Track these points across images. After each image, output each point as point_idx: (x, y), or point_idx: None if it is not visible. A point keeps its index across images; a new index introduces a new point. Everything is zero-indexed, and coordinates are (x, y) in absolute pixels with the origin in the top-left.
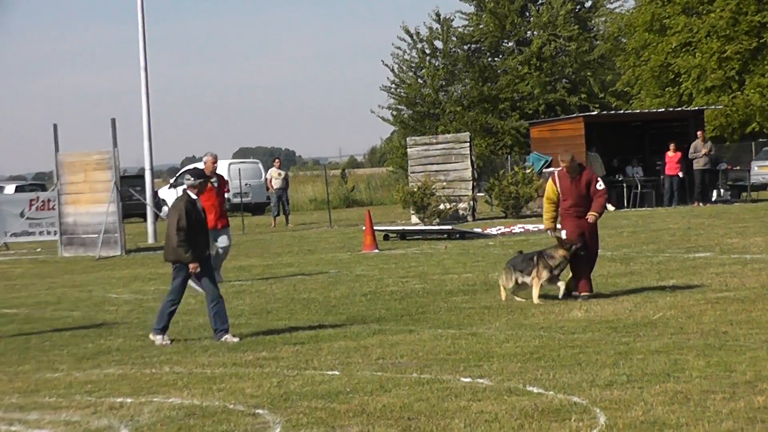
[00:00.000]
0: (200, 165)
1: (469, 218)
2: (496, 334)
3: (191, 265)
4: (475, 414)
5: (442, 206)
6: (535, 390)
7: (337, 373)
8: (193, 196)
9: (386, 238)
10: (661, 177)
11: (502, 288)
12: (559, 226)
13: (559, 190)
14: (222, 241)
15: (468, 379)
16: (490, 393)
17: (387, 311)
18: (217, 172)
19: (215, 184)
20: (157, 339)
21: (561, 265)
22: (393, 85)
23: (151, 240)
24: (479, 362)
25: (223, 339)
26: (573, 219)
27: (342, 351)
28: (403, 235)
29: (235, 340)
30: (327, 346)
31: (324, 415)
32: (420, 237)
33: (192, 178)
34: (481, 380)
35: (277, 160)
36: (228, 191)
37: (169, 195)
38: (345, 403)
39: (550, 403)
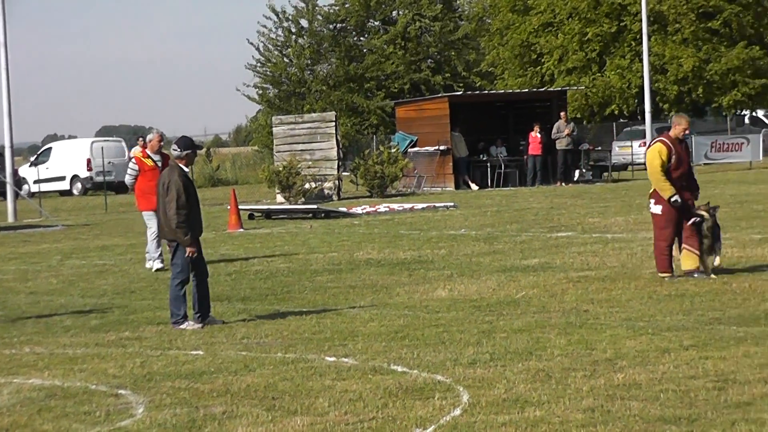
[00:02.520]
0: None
1: (335, 197)
2: (360, 314)
3: (188, 249)
4: (339, 393)
5: (307, 185)
6: (400, 369)
7: (201, 353)
8: (185, 169)
9: (251, 217)
10: (525, 157)
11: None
12: (651, 202)
13: (674, 155)
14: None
15: (332, 359)
16: (354, 372)
17: (252, 291)
18: (130, 154)
19: (159, 164)
20: (187, 326)
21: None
22: (259, 64)
23: (11, 219)
24: (344, 341)
25: (204, 322)
26: (681, 192)
27: (206, 330)
28: (268, 215)
29: (199, 326)
30: (191, 326)
31: (187, 395)
32: (285, 216)
33: (179, 149)
34: (345, 359)
35: (140, 139)
36: (91, 170)
37: (30, 173)
38: (209, 383)
39: (414, 382)
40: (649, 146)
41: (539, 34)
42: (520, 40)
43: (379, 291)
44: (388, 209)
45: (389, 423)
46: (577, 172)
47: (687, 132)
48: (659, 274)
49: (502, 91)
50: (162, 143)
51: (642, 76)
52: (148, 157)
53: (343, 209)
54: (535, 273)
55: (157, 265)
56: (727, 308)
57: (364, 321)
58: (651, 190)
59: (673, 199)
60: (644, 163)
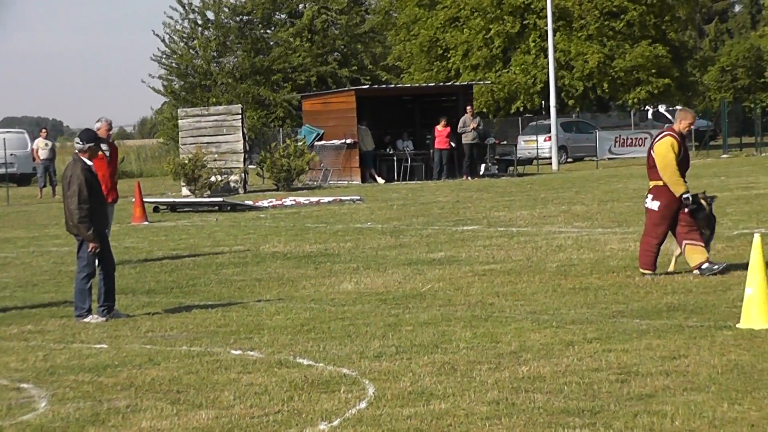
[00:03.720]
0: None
1: (241, 190)
2: (266, 307)
3: (92, 245)
4: (244, 386)
5: (213, 178)
6: (305, 362)
7: (105, 346)
8: (88, 162)
9: (156, 210)
10: (431, 151)
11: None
12: (649, 198)
13: (681, 150)
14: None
15: (238, 352)
16: (260, 365)
17: (157, 284)
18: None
19: (107, 153)
20: (90, 319)
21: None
22: (164, 56)
23: None
24: (250, 335)
25: (109, 315)
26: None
27: (111, 324)
28: (173, 207)
29: (102, 319)
30: (95, 320)
31: (91, 389)
32: (191, 209)
33: (81, 142)
34: (251, 352)
35: (43, 131)
36: None
37: None
38: (113, 376)
39: (320, 375)
40: (659, 140)
41: (445, 29)
42: (427, 35)
43: (285, 284)
44: (294, 202)
45: (295, 416)
46: (482, 166)
47: (691, 127)
48: (641, 270)
49: (409, 85)
50: (110, 132)
51: (547, 72)
52: None
53: (249, 202)
54: (440, 266)
55: None
56: (630, 301)
57: (270, 314)
58: (651, 186)
59: (685, 197)
60: (549, 158)
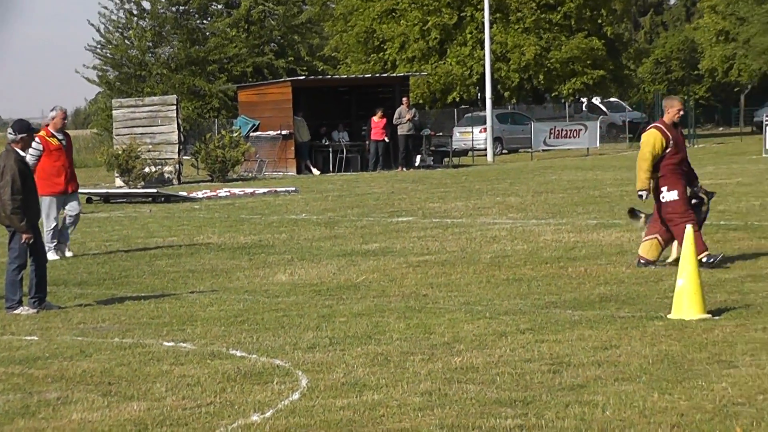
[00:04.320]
0: None
1: (175, 181)
2: (200, 298)
3: (24, 236)
4: (177, 378)
5: (147, 169)
6: (238, 353)
7: (36, 338)
8: (21, 153)
9: (89, 201)
10: (367, 142)
11: None
12: (664, 190)
13: (672, 141)
14: (72, 208)
15: (171, 343)
16: (192, 357)
17: (89, 275)
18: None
19: (64, 143)
20: (21, 311)
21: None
22: (99, 46)
23: None
24: (182, 326)
25: (40, 306)
26: (680, 176)
27: (42, 316)
28: (107, 198)
29: (33, 311)
30: (25, 311)
31: (21, 381)
32: (124, 200)
33: (14, 133)
34: (184, 344)
35: None
36: None
37: None
38: (43, 368)
39: (253, 367)
40: (646, 131)
41: (382, 21)
42: (364, 27)
43: (218, 275)
44: (228, 193)
45: (227, 408)
46: (418, 158)
47: (682, 113)
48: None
49: (345, 76)
50: (66, 121)
51: (484, 64)
52: (53, 135)
53: (184, 193)
54: (375, 257)
55: (69, 253)
56: (562, 292)
57: (204, 305)
58: (657, 181)
59: (640, 193)
60: (484, 149)
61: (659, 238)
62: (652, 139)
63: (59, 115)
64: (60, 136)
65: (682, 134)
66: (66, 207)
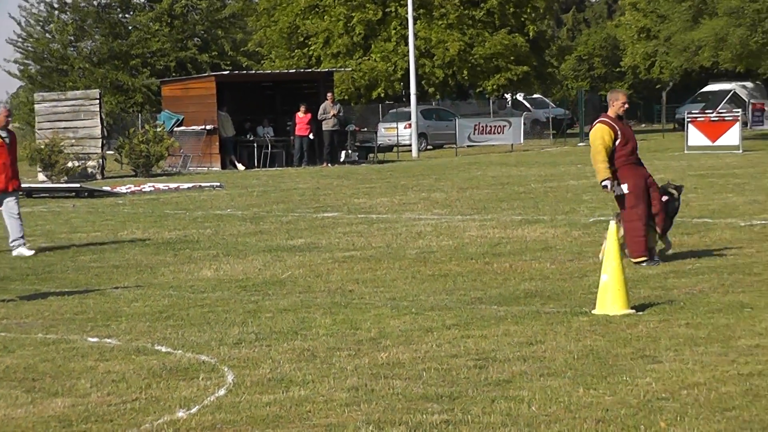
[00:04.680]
0: None
1: (99, 176)
2: (125, 294)
3: None
4: (102, 374)
5: (70, 164)
6: (164, 349)
7: None
8: None
9: None
10: (291, 137)
11: None
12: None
13: (619, 132)
14: (10, 206)
15: (95, 339)
16: (117, 353)
17: (12, 270)
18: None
19: (7, 141)
20: None
21: None
22: (20, 39)
23: None
24: (107, 322)
25: None
26: (635, 167)
27: None
28: (29, 193)
29: None
30: None
31: None
32: (47, 195)
33: None
34: (108, 340)
35: None
36: None
37: None
38: None
39: (179, 362)
40: (592, 128)
41: (306, 17)
42: (287, 22)
43: (143, 271)
44: (153, 189)
45: (153, 404)
46: (343, 153)
47: (627, 106)
48: (634, 261)
49: (270, 71)
50: (9, 118)
51: (408, 60)
52: None
53: (108, 188)
54: (301, 253)
55: (27, 252)
56: (488, 288)
57: (128, 301)
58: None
59: (603, 184)
60: (409, 145)
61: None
62: (600, 133)
63: (2, 113)
64: (3, 134)
65: (629, 126)
66: (3, 206)
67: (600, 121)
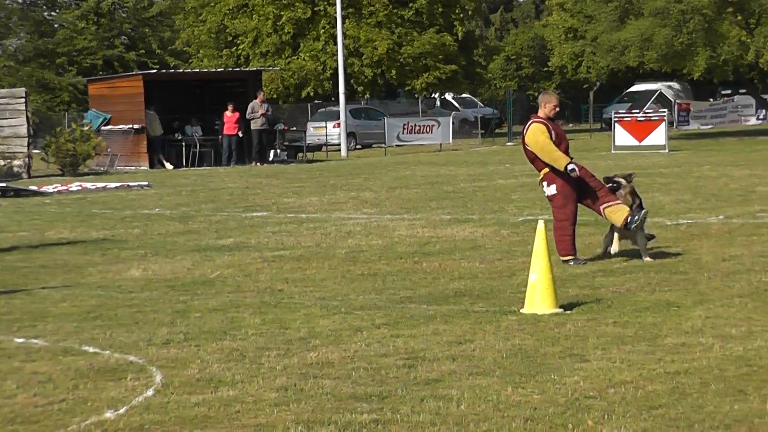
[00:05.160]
0: None
1: (25, 175)
2: (52, 294)
3: None
4: (28, 375)
5: None
6: (92, 350)
7: None
8: None
9: None
10: (220, 137)
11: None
12: (545, 185)
13: (553, 133)
14: None
15: (22, 340)
16: (44, 353)
17: None
18: None
19: None
20: None
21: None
22: None
23: None
24: (34, 322)
25: None
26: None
27: None
28: None
29: None
30: None
31: None
32: None
33: None
34: (35, 340)
35: None
36: None
37: None
38: None
39: (107, 363)
40: (526, 130)
41: (234, 16)
42: (216, 22)
43: (71, 271)
44: (80, 188)
45: (80, 404)
46: (272, 153)
47: (558, 110)
48: (562, 259)
49: (198, 70)
50: None
51: (337, 59)
52: None
53: (34, 188)
54: (230, 252)
55: None
56: (417, 287)
57: (56, 301)
58: (540, 176)
59: (570, 167)
60: (338, 144)
61: (606, 204)
62: (538, 130)
63: None
64: None
65: (560, 127)
66: None
67: (535, 121)
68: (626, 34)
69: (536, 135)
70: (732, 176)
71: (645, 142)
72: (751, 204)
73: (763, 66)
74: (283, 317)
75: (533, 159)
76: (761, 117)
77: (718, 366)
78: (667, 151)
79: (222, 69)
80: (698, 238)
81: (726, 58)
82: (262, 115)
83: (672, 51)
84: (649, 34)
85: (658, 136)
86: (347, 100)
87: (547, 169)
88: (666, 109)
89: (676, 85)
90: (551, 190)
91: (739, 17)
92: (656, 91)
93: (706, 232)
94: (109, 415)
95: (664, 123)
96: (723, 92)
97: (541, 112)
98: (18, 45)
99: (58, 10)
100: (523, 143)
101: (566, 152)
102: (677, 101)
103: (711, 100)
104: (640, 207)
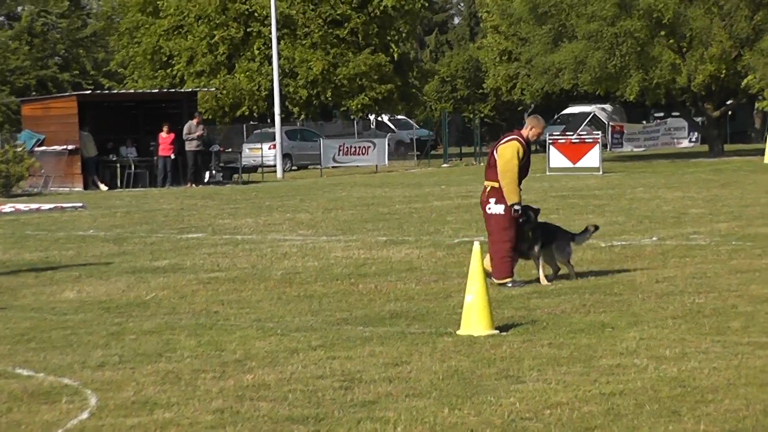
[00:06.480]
0: None
1: None
2: None
3: None
4: None
5: None
6: (25, 372)
7: None
8: None
9: None
10: (155, 158)
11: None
12: (492, 202)
13: (525, 156)
14: None
15: None
16: None
17: None
18: None
19: None
20: None
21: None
22: None
23: None
24: None
25: None
26: (518, 190)
27: None
28: None
29: None
30: None
31: None
32: None
33: None
34: None
35: None
36: None
37: None
38: None
39: (41, 386)
40: (504, 142)
41: (169, 37)
42: (151, 43)
43: (3, 293)
44: (13, 209)
45: (14, 428)
46: (207, 174)
47: (538, 138)
48: (498, 282)
49: (133, 90)
50: None
51: (272, 79)
52: None
53: None
54: (165, 274)
55: None
56: (353, 309)
57: None
58: (488, 189)
59: (515, 208)
60: (274, 165)
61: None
62: (515, 150)
63: None
64: None
65: (530, 154)
66: None
67: (515, 138)
68: (560, 57)
69: (512, 155)
70: (665, 198)
71: (579, 164)
72: (684, 226)
73: (695, 89)
74: (218, 339)
75: (492, 166)
76: (693, 139)
77: (653, 387)
78: (601, 173)
79: (157, 90)
80: (632, 259)
81: (658, 81)
82: (198, 136)
83: (605, 74)
84: (583, 57)
85: (592, 158)
86: (283, 121)
87: (495, 184)
88: (600, 132)
89: (609, 108)
90: (498, 209)
91: (671, 41)
92: (590, 113)
93: (639, 254)
94: None
95: (598, 145)
96: (656, 115)
97: (524, 131)
98: None
99: None
100: (495, 149)
101: (523, 177)
102: (611, 123)
103: (644, 122)
104: (535, 243)
